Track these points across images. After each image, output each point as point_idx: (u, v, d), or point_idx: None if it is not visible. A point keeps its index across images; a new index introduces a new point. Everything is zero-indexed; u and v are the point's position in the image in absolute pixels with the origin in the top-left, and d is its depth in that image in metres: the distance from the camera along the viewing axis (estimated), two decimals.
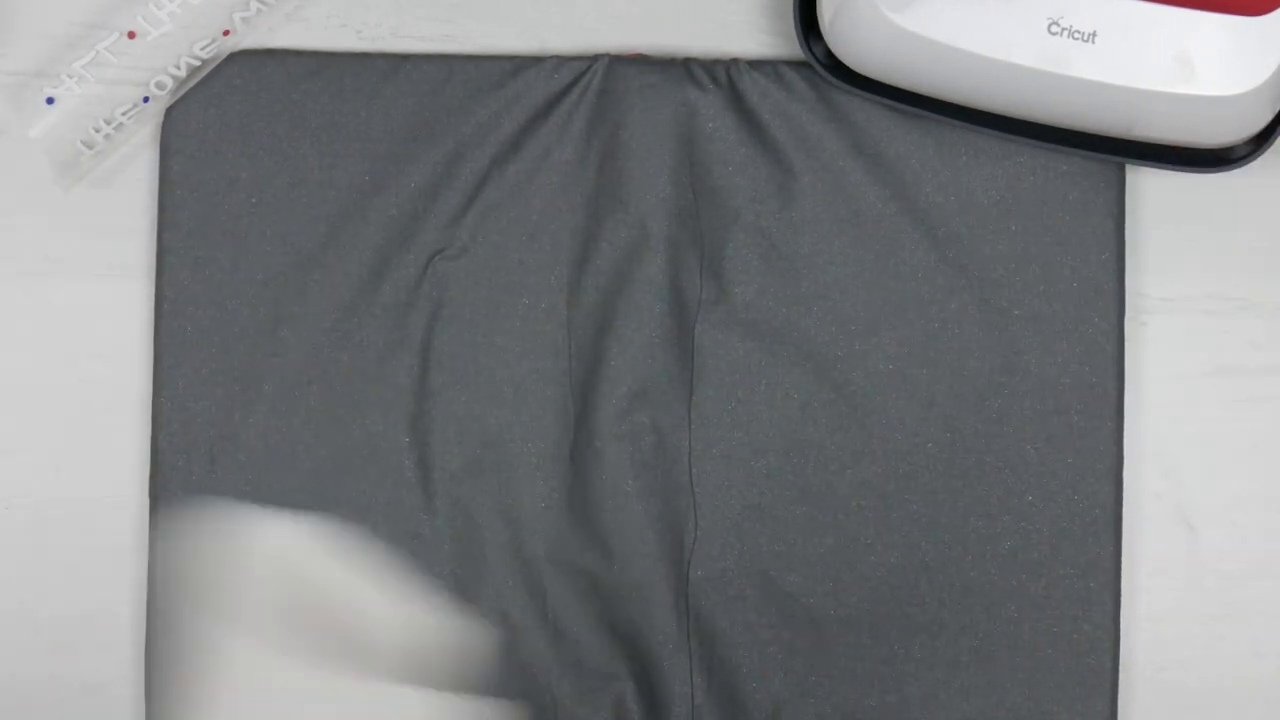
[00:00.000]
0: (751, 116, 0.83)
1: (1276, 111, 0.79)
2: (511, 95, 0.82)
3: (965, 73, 0.78)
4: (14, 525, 0.83)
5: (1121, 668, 0.83)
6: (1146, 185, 0.85)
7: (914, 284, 0.83)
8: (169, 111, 0.82)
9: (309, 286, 0.82)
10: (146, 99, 0.82)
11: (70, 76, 0.81)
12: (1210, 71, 0.76)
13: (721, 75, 0.83)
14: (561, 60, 0.83)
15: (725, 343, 0.82)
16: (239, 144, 0.82)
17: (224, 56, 0.83)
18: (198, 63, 0.82)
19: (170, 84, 0.82)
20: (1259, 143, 0.80)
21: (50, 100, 0.81)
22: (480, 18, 0.84)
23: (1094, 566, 0.82)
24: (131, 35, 0.81)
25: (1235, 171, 0.81)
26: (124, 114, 0.82)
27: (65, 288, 0.84)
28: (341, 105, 0.82)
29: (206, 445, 0.81)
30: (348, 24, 0.84)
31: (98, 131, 0.82)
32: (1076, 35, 0.76)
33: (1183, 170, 0.81)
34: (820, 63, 0.81)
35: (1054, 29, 0.76)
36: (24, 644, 0.83)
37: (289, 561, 0.79)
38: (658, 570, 0.81)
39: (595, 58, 0.83)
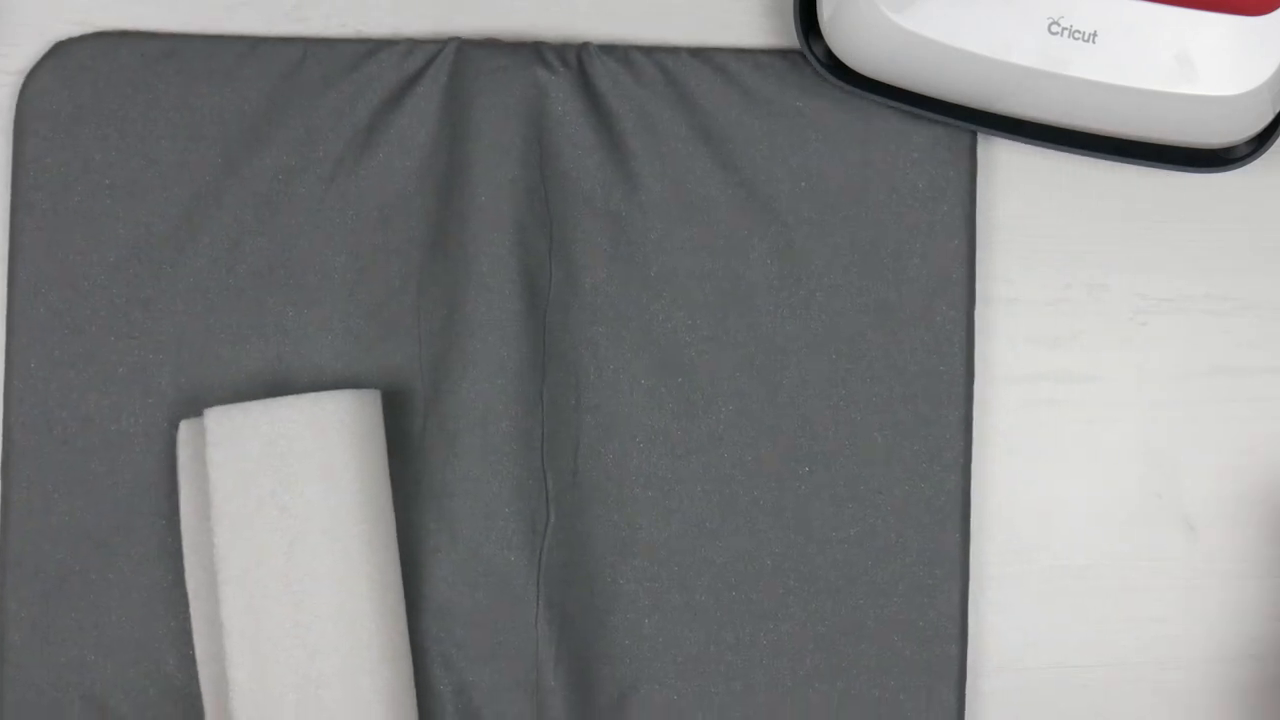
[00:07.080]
0: (600, 101, 0.83)
1: (1277, 112, 0.79)
2: (364, 78, 0.82)
3: (965, 73, 0.78)
4: None
5: (1121, 668, 0.83)
6: (1145, 184, 0.85)
7: (762, 270, 0.83)
8: (23, 92, 0.82)
9: (163, 269, 0.82)
10: None
11: None
12: (1210, 71, 0.76)
13: (571, 58, 0.82)
14: (414, 43, 0.82)
15: (575, 326, 0.82)
16: (93, 125, 0.82)
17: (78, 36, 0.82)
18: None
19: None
20: (1259, 143, 0.80)
21: None
22: (481, 15, 0.84)
23: (941, 555, 0.82)
24: None
25: (1235, 171, 0.81)
26: None
27: None
28: (196, 87, 0.82)
29: (59, 426, 0.81)
30: (348, 24, 0.84)
31: None
32: (1077, 35, 0.76)
33: (1183, 170, 0.81)
34: (820, 61, 0.81)
35: (1054, 29, 0.76)
36: None
37: None
38: (508, 555, 0.81)
39: (446, 40, 0.82)
